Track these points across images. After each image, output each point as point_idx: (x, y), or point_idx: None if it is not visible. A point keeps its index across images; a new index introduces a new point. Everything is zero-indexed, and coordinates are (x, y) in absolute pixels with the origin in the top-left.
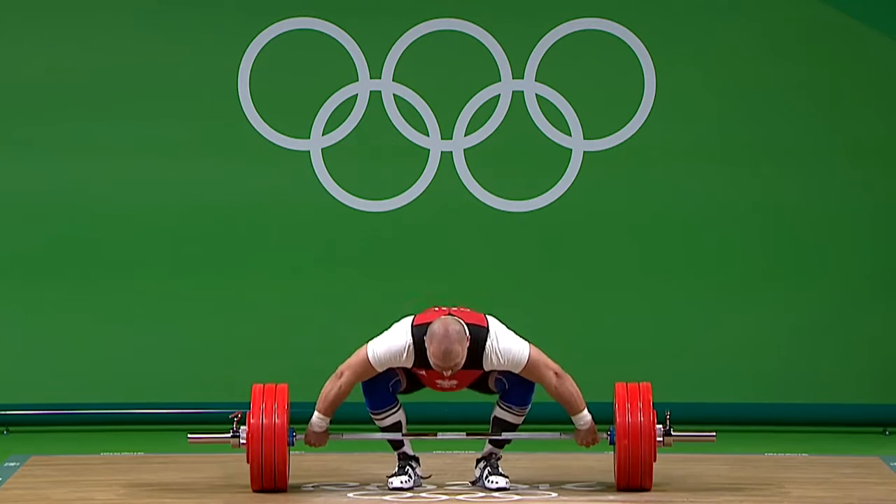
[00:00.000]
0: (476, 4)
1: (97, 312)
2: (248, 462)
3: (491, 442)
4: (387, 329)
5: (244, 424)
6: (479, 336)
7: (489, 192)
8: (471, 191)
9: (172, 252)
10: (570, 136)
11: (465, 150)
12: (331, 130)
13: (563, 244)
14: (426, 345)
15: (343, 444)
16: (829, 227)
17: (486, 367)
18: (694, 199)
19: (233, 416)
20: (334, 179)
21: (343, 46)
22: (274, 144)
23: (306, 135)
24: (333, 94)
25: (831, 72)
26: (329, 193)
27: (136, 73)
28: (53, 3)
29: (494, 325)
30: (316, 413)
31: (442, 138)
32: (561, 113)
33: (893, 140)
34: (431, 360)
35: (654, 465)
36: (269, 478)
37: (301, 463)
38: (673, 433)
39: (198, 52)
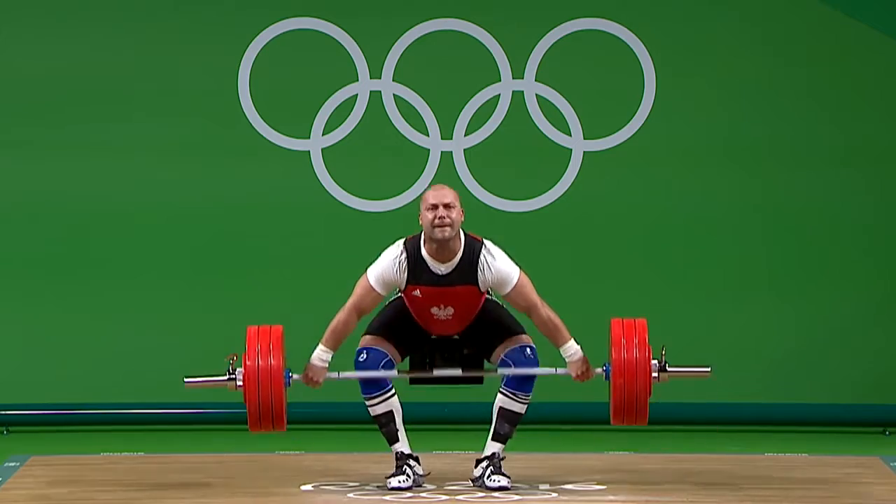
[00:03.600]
0: (476, 4)
1: (97, 312)
2: (245, 403)
3: (494, 438)
4: None
5: (240, 367)
6: (473, 246)
7: (489, 191)
8: (471, 191)
9: (172, 252)
10: (570, 136)
11: (465, 150)
12: (331, 130)
13: (564, 244)
14: (420, 205)
15: (343, 444)
16: (829, 227)
17: (480, 284)
18: (694, 199)
19: (228, 357)
20: (334, 179)
21: (343, 46)
22: (274, 144)
23: (306, 135)
24: (333, 93)
25: (832, 72)
26: (329, 193)
27: (136, 73)
28: (53, 3)
29: (489, 243)
30: (319, 346)
31: (442, 138)
32: (561, 113)
33: (894, 140)
34: (424, 203)
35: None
36: (267, 419)
37: (301, 463)
38: (668, 369)
39: (198, 52)
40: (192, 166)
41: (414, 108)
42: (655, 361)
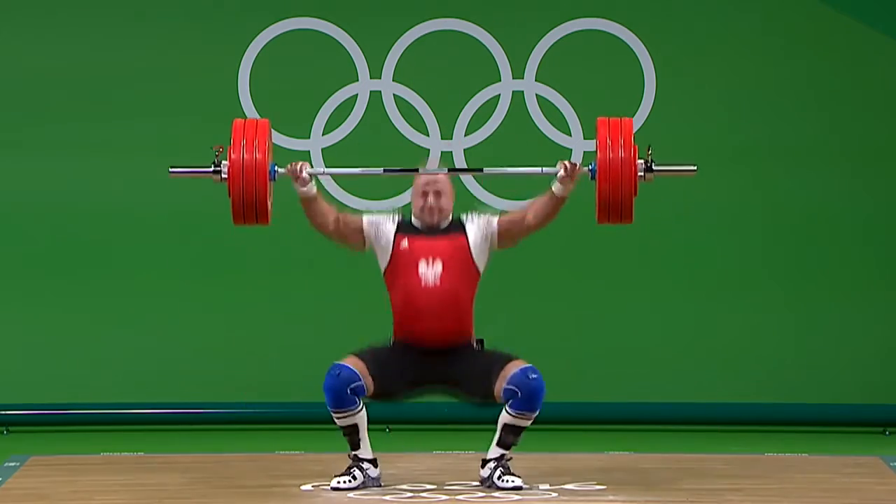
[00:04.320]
0: (476, 4)
1: (97, 312)
2: (229, 197)
3: (499, 444)
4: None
5: (226, 160)
6: (459, 216)
7: (489, 191)
8: (471, 190)
9: (172, 252)
10: (570, 135)
11: (465, 149)
12: (331, 130)
13: (563, 244)
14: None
15: (343, 445)
16: (829, 226)
17: (469, 233)
18: (693, 198)
19: (215, 147)
20: (334, 179)
21: (343, 46)
22: (274, 144)
23: (306, 134)
24: (333, 93)
25: (832, 71)
26: (329, 193)
27: (137, 73)
28: (54, 3)
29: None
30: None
31: (442, 138)
32: (561, 113)
33: (894, 140)
34: (416, 187)
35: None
36: (251, 213)
37: (301, 463)
38: (654, 168)
39: (198, 52)
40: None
41: (414, 108)
42: (641, 161)
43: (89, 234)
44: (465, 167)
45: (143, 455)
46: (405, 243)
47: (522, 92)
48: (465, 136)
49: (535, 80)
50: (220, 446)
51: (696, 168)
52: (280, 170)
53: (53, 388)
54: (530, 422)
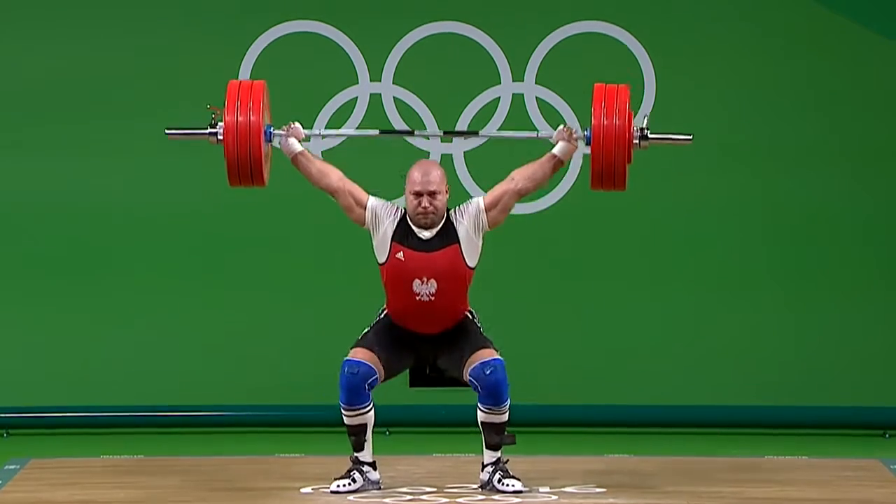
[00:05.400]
0: (476, 7)
1: (97, 314)
2: (225, 158)
3: (488, 448)
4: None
5: (222, 122)
6: (452, 211)
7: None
8: (471, 193)
9: (172, 254)
10: None
11: (465, 152)
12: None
13: (564, 247)
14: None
15: (343, 447)
16: (830, 229)
17: (462, 238)
18: (693, 201)
19: (211, 108)
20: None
21: (343, 49)
22: (274, 147)
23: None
24: (334, 96)
25: (831, 73)
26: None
27: (138, 75)
28: (55, 4)
29: None
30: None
31: (442, 141)
32: (561, 116)
33: (894, 141)
34: (410, 185)
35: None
36: (246, 174)
37: (301, 466)
38: (650, 136)
39: (199, 55)
40: (194, 168)
41: (414, 110)
42: (638, 128)
43: (89, 236)
44: (465, 130)
45: (143, 458)
46: (401, 255)
47: (522, 95)
48: (464, 138)
49: (536, 83)
50: (220, 449)
51: (691, 137)
52: (276, 131)
53: (53, 390)
54: (504, 416)
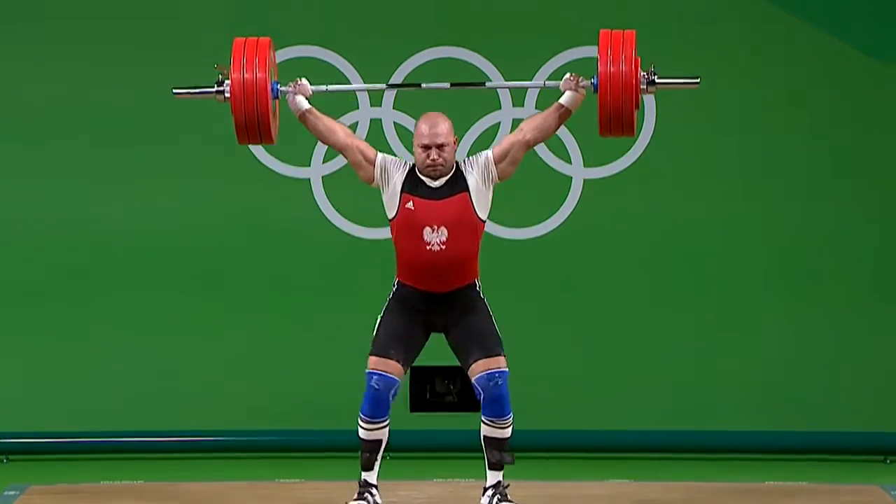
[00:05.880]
0: (477, 32)
1: (96, 340)
2: (232, 115)
3: (490, 468)
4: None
5: (228, 80)
6: (462, 161)
7: (489, 219)
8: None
9: (173, 279)
10: (571, 163)
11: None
12: (331, 158)
13: (564, 271)
14: (414, 134)
15: (344, 472)
16: (830, 252)
17: (469, 181)
18: (695, 226)
19: (218, 67)
20: (335, 207)
21: (343, 74)
22: (274, 172)
23: (307, 162)
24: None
25: (829, 96)
26: (329, 221)
27: (137, 99)
28: (55, 32)
29: None
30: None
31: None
32: (561, 141)
33: (893, 163)
34: (418, 138)
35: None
36: (254, 131)
37: (301, 491)
38: (657, 81)
39: (200, 81)
40: (193, 192)
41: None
42: (644, 73)
43: (89, 261)
44: (473, 82)
45: (143, 483)
46: (411, 205)
47: (522, 120)
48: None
49: (535, 108)
50: (220, 475)
51: (698, 80)
52: (282, 88)
53: (53, 416)
54: (507, 430)
